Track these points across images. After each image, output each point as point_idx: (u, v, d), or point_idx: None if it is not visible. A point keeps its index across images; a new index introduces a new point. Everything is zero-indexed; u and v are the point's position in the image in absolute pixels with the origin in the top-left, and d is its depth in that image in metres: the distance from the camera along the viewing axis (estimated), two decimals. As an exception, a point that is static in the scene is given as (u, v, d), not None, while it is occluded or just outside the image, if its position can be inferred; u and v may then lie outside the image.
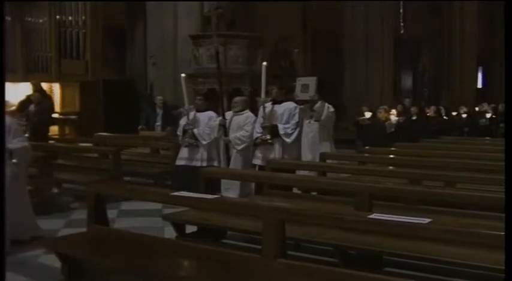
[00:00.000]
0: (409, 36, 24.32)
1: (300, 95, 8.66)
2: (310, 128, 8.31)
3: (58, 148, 10.17)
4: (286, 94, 7.91)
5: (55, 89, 14.27)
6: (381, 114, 10.54)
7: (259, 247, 3.66)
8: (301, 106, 8.21)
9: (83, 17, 14.52)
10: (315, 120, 8.25)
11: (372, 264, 4.32)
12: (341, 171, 6.79)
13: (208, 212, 5.04)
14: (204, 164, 7.97)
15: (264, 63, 7.46)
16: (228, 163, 7.77)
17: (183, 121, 8.29)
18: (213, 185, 6.71)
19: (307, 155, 8.16)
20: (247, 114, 7.85)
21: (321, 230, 4.28)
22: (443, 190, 5.15)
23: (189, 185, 7.36)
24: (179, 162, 8.16)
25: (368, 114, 12.53)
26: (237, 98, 8.19)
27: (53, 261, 4.60)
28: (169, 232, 5.63)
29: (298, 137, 7.63)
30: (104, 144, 10.37)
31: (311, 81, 8.79)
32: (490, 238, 2.95)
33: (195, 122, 8.13)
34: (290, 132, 7.45)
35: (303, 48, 20.85)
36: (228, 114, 7.94)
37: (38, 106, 11.08)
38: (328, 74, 20.46)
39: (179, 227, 5.34)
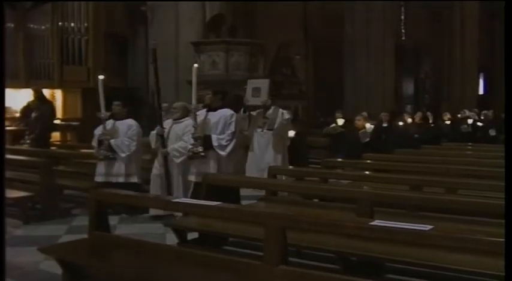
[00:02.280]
0: (410, 42, 24.35)
1: (250, 99, 7.73)
2: (263, 137, 7.61)
3: (59, 154, 10.17)
4: (222, 100, 6.92)
5: (57, 96, 14.31)
6: (360, 123, 9.61)
7: (261, 253, 3.65)
8: (253, 112, 7.51)
9: (85, 24, 14.58)
10: (268, 129, 7.52)
11: (374, 271, 4.31)
12: (342, 177, 6.79)
13: (210, 219, 5.03)
14: (121, 180, 7.18)
15: (195, 65, 6.68)
16: (167, 178, 6.93)
17: (98, 131, 7.45)
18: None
19: (252, 170, 7.42)
20: (187, 122, 6.89)
21: (322, 237, 4.27)
22: (444, 196, 5.15)
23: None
24: (97, 178, 7.36)
25: (340, 122, 11.55)
26: (176, 104, 7.27)
27: (53, 268, 4.59)
28: (171, 239, 5.63)
29: (235, 150, 6.75)
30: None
31: (263, 84, 7.82)
32: (491, 244, 2.95)
33: (112, 132, 7.30)
34: (225, 143, 6.53)
35: (304, 55, 20.90)
36: (167, 123, 7.13)
37: (37, 112, 11.09)
38: (330, 80, 20.53)
39: (180, 233, 5.34)
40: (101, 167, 7.38)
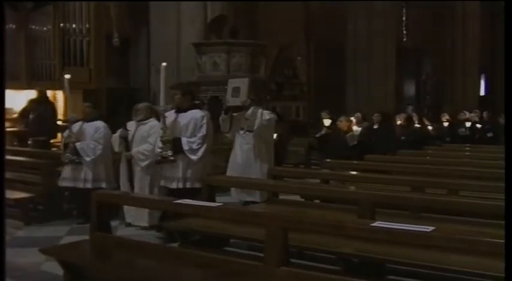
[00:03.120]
0: (412, 44, 24.35)
1: (230, 100, 7.33)
2: (245, 139, 7.25)
3: (61, 155, 10.17)
4: (192, 101, 6.52)
5: (59, 97, 14.30)
6: (342, 124, 9.09)
7: (262, 254, 3.65)
8: (235, 113, 7.19)
9: (87, 25, 14.58)
10: (247, 131, 7.19)
11: (375, 272, 4.31)
12: (343, 178, 6.79)
13: (211, 220, 5.03)
14: (89, 185, 6.84)
15: (163, 64, 6.17)
16: (131, 184, 6.58)
17: (66, 133, 7.20)
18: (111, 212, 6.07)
19: (233, 174, 7.07)
20: (152, 123, 6.59)
21: (323, 238, 4.27)
22: (446, 197, 5.15)
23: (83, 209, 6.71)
24: (62, 183, 7.13)
25: (327, 122, 10.92)
26: (140, 105, 6.90)
27: (55, 269, 4.59)
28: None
29: (207, 154, 6.29)
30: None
31: (243, 83, 7.42)
32: (493, 246, 2.94)
33: (79, 135, 7.01)
34: (196, 147, 6.09)
35: (305, 56, 20.90)
36: (131, 125, 6.75)
37: (34, 114, 11.09)
38: (331, 81, 20.53)
39: (182, 234, 5.34)
40: (66, 172, 7.07)
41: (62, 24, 14.43)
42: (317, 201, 6.30)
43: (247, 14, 17.37)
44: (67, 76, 7.15)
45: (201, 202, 4.50)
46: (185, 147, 6.05)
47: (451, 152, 9.65)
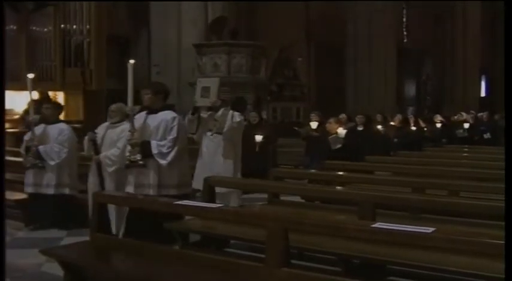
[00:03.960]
0: (412, 44, 24.37)
1: (199, 100, 6.93)
2: (213, 141, 7.03)
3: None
4: (164, 100, 5.97)
5: (59, 98, 14.31)
6: (331, 126, 8.68)
7: (263, 255, 3.65)
8: (203, 114, 6.91)
9: (87, 26, 14.59)
10: (216, 132, 6.94)
11: (376, 273, 4.31)
12: (344, 179, 6.78)
13: (212, 221, 5.03)
14: (51, 191, 6.53)
15: (131, 61, 5.73)
16: (102, 189, 6.12)
17: (27, 136, 6.79)
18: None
19: (201, 179, 6.49)
20: (123, 126, 6.03)
21: (324, 239, 4.27)
22: (447, 198, 5.14)
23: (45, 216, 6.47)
24: (27, 189, 6.77)
25: (314, 125, 10.43)
26: (114, 106, 6.41)
27: (55, 269, 4.59)
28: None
29: (178, 158, 5.72)
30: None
31: (213, 83, 7.03)
32: (494, 247, 2.94)
33: (42, 137, 6.64)
34: (166, 151, 5.58)
35: (306, 57, 20.91)
36: (102, 127, 6.34)
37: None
38: (331, 82, 20.55)
39: (183, 235, 5.33)
40: (29, 177, 6.70)
41: (62, 25, 14.44)
42: (317, 202, 6.30)
43: (248, 15, 17.39)
44: (30, 76, 6.73)
45: (201, 203, 4.51)
46: (154, 151, 5.56)
47: (451, 153, 9.65)
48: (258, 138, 8.99)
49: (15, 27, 13.80)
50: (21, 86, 13.49)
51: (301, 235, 4.09)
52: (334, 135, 8.43)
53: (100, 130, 6.23)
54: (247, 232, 4.63)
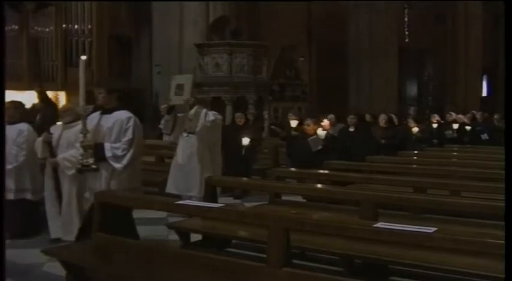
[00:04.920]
0: (414, 44, 24.36)
1: (173, 98, 6.63)
2: (188, 142, 6.75)
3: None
4: (119, 100, 5.53)
5: (61, 98, 14.33)
6: (308, 129, 8.41)
7: (264, 255, 3.65)
8: (180, 114, 6.63)
9: (89, 26, 14.62)
10: (189, 132, 6.71)
11: (378, 273, 4.31)
12: (346, 179, 6.78)
13: (213, 221, 5.03)
14: (11, 196, 6.05)
15: (83, 57, 5.37)
16: (58, 194, 5.82)
17: None
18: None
19: (176, 180, 6.56)
20: (80, 126, 5.36)
21: (326, 239, 4.27)
22: (448, 198, 5.14)
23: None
24: None
25: (294, 124, 10.03)
26: (64, 106, 6.17)
27: (57, 269, 4.59)
28: (174, 241, 5.62)
29: (134, 161, 5.34)
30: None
31: (187, 80, 6.71)
32: (495, 247, 2.94)
33: None
34: (120, 154, 5.17)
35: (308, 57, 20.91)
36: (56, 128, 5.96)
37: (41, 114, 11.10)
38: (333, 82, 20.54)
39: (184, 235, 5.34)
40: None
41: (64, 25, 14.48)
42: (319, 202, 6.30)
43: (250, 15, 17.38)
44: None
45: (203, 202, 4.50)
46: (108, 153, 5.16)
47: (452, 153, 9.64)
48: (245, 141, 8.42)
49: (16, 27, 13.83)
50: (23, 85, 13.56)
51: (303, 235, 4.09)
52: (315, 136, 8.23)
53: (54, 131, 5.88)
54: (248, 232, 4.63)
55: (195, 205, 4.31)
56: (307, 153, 8.03)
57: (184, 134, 6.78)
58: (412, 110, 22.68)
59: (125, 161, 5.18)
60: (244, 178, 7.29)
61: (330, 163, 7.56)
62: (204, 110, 6.85)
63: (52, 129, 5.94)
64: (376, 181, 6.53)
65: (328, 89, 20.69)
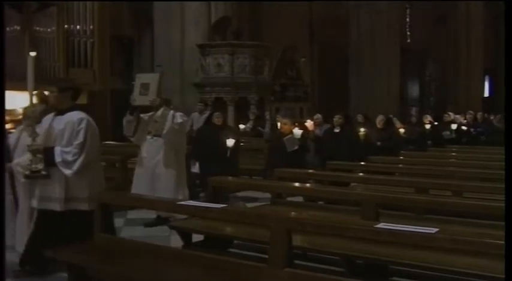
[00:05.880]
0: (416, 45, 24.34)
1: (138, 98, 6.29)
2: (154, 145, 6.39)
3: None
4: (73, 100, 4.99)
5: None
6: (285, 128, 8.07)
7: (266, 256, 3.65)
8: (144, 115, 6.28)
9: (91, 26, 14.62)
10: (156, 135, 6.39)
11: (379, 274, 4.31)
12: (347, 179, 6.79)
13: (215, 221, 5.04)
14: None
15: (32, 53, 4.95)
16: (15, 201, 5.32)
17: None
18: None
19: (141, 187, 6.24)
20: (38, 129, 4.95)
21: (327, 240, 4.27)
22: (450, 199, 5.14)
23: None
24: None
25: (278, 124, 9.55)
26: (28, 107, 5.59)
27: (59, 269, 4.61)
28: (176, 241, 5.63)
29: (87, 166, 4.79)
30: (111, 153, 10.39)
31: (153, 79, 6.35)
32: (495, 247, 2.94)
33: None
34: (71, 159, 4.67)
35: (309, 57, 20.90)
36: (17, 131, 5.52)
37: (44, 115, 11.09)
38: (335, 83, 20.54)
39: (186, 236, 5.34)
40: None
41: (66, 26, 14.48)
42: (320, 202, 6.30)
43: (251, 16, 17.39)
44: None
45: (205, 203, 4.51)
46: (57, 158, 4.67)
47: (453, 154, 9.64)
48: (230, 142, 7.81)
49: (18, 28, 13.83)
50: (25, 86, 13.58)
51: (305, 236, 4.09)
52: (290, 136, 7.94)
53: (14, 134, 5.51)
54: (250, 232, 4.63)
55: (198, 206, 4.31)
56: (282, 154, 7.66)
57: (149, 137, 6.47)
58: (413, 111, 22.63)
59: (75, 167, 4.68)
60: (245, 179, 7.29)
61: (330, 163, 7.57)
62: (171, 112, 6.51)
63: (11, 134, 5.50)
64: (378, 181, 6.54)
65: (329, 89, 20.68)
